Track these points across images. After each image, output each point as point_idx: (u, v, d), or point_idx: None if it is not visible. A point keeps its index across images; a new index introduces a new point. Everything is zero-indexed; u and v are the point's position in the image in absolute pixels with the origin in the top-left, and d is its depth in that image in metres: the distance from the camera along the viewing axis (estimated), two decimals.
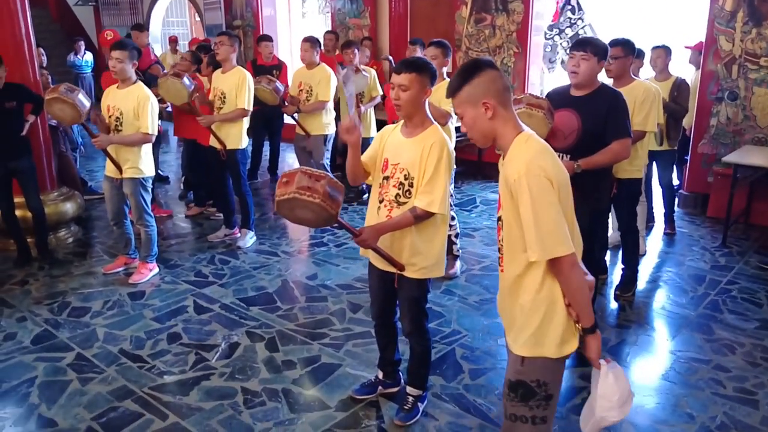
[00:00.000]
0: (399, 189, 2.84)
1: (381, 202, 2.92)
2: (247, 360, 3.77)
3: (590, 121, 3.49)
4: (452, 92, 2.09)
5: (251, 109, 5.43)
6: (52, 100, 4.42)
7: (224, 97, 5.36)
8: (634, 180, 4.34)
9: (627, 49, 4.28)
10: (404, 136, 2.87)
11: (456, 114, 2.14)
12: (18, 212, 5.29)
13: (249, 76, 5.40)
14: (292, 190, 2.51)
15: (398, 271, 2.93)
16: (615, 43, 4.30)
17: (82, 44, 12.19)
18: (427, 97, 2.81)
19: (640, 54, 5.55)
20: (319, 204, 2.52)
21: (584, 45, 3.62)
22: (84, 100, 4.51)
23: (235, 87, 5.31)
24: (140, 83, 4.71)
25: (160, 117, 5.28)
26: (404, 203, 2.84)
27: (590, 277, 2.17)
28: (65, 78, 10.50)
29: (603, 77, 3.87)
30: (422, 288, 3.00)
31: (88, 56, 12.40)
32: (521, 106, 3.31)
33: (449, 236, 4.92)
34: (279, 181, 2.59)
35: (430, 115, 2.89)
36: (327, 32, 8.69)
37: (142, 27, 7.87)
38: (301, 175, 2.54)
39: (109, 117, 4.64)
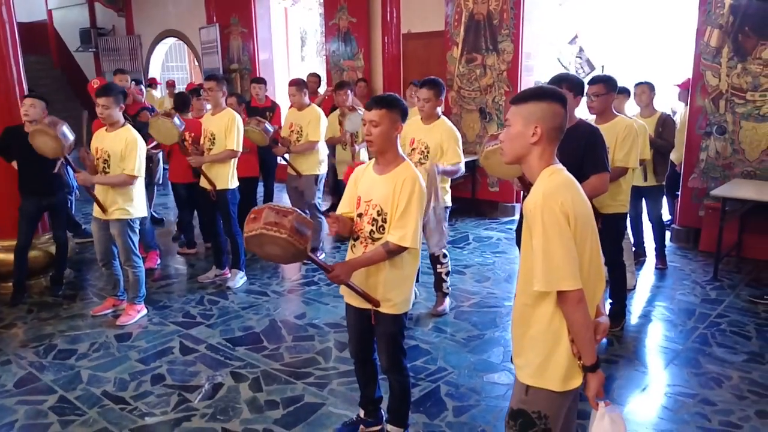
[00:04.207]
0: (373, 225, 2.85)
1: (356, 239, 2.94)
2: (229, 400, 3.73)
3: (567, 156, 3.49)
4: (517, 101, 2.11)
5: (240, 150, 5.48)
6: (35, 132, 4.46)
7: (214, 139, 5.42)
8: (618, 215, 4.34)
9: (609, 86, 4.32)
10: (376, 173, 2.90)
11: (505, 120, 2.15)
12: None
13: (238, 117, 5.46)
14: (259, 226, 2.51)
15: (374, 308, 2.92)
16: (597, 80, 4.36)
17: None
18: (398, 134, 2.85)
19: (624, 91, 5.62)
20: (286, 239, 2.51)
21: (560, 81, 3.67)
22: (67, 133, 4.56)
23: (225, 128, 5.37)
24: (129, 126, 4.77)
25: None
26: (379, 239, 2.85)
27: (604, 319, 2.18)
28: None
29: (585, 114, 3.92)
30: (398, 323, 2.98)
31: None
32: (496, 141, 3.34)
33: (440, 274, 4.92)
34: (248, 218, 2.59)
35: (401, 152, 2.92)
36: (310, 74, 8.84)
37: (124, 71, 7.91)
38: (268, 211, 2.54)
39: (97, 159, 4.69)
